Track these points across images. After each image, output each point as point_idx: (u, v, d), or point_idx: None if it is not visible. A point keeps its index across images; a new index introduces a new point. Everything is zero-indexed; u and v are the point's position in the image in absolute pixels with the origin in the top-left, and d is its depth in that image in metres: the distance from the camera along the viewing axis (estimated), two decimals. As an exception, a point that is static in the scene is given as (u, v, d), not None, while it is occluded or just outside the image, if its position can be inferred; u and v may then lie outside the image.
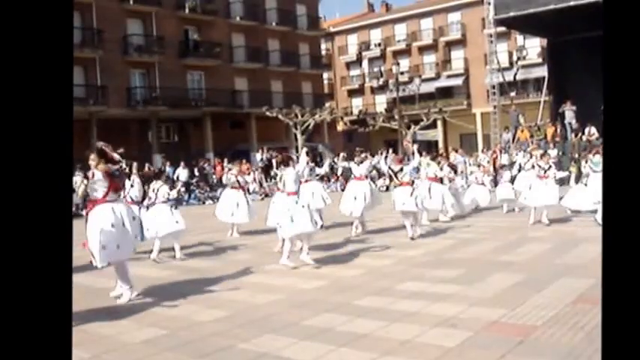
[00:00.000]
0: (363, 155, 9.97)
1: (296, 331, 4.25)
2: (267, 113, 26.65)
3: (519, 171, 13.63)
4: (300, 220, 6.48)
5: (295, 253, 6.80)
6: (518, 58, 33.95)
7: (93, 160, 5.25)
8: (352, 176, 9.91)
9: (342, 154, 11.10)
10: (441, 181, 10.56)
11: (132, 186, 7.75)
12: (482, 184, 12.37)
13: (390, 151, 12.08)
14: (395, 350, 3.72)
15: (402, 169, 8.57)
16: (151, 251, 7.61)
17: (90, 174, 5.20)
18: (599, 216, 8.55)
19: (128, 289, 5.43)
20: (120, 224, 5.18)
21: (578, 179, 16.53)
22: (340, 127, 38.61)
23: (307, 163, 8.16)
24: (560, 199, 9.76)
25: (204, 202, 20.14)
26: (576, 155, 17.75)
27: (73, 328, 4.58)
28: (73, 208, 7.98)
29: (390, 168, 8.83)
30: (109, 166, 5.26)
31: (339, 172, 19.76)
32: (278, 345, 3.95)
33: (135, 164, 7.89)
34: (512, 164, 18.78)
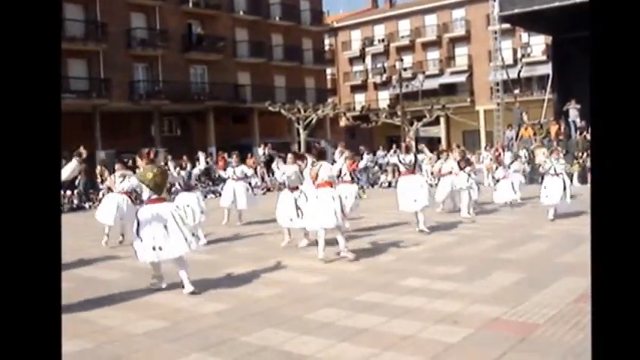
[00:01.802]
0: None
1: (297, 326, 4.26)
2: (270, 108, 26.62)
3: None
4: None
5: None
6: (523, 56, 33.83)
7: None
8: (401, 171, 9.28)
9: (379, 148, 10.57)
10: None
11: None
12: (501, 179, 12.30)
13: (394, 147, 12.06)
14: (396, 346, 3.73)
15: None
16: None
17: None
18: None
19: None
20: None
21: (581, 177, 16.49)
22: (343, 122, 38.52)
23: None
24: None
25: (205, 196, 20.15)
26: (579, 154, 17.70)
27: (76, 318, 4.61)
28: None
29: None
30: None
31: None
32: (279, 339, 3.96)
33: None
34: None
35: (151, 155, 5.56)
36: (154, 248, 5.24)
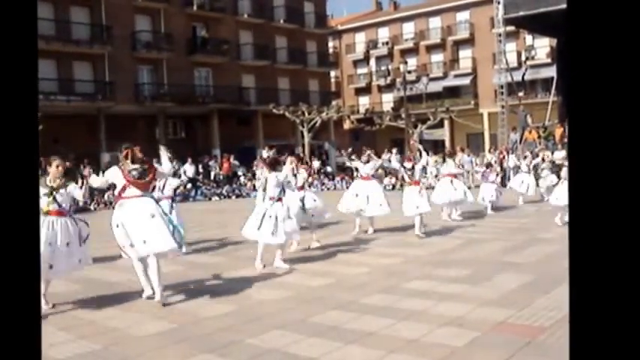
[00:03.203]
0: (367, 154, 9.75)
1: (303, 328, 4.27)
2: (274, 111, 26.68)
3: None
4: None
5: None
6: (527, 58, 33.77)
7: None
8: (358, 175, 9.81)
9: (346, 152, 10.70)
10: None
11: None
12: (493, 182, 12.35)
13: (395, 150, 12.16)
14: (402, 349, 3.73)
15: (413, 168, 8.72)
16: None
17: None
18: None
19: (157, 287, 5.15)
20: (130, 222, 5.20)
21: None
22: (347, 125, 38.56)
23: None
24: None
25: (210, 199, 20.23)
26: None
27: (82, 320, 4.63)
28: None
29: (403, 166, 9.11)
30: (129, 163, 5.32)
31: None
32: (285, 341, 3.97)
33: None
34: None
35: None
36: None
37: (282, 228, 6.38)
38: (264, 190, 6.65)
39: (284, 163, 7.00)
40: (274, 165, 6.73)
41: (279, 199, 6.49)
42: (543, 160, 14.00)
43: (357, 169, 9.64)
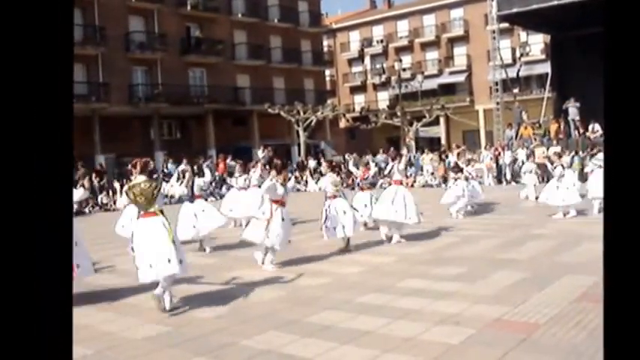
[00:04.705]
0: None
1: (298, 328, 4.26)
2: (269, 110, 26.64)
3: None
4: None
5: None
6: (522, 55, 33.79)
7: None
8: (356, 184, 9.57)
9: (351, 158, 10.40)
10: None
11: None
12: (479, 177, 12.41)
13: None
14: (397, 347, 3.72)
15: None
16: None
17: None
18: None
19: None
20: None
21: (580, 176, 16.48)
22: (342, 124, 38.55)
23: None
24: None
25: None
26: (580, 152, 17.69)
27: (76, 324, 4.59)
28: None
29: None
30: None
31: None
32: (280, 342, 3.96)
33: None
34: (515, 161, 18.74)
35: (138, 166, 5.08)
36: (150, 266, 4.79)
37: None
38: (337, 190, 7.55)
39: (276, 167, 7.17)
40: (334, 167, 7.79)
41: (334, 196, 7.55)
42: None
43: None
